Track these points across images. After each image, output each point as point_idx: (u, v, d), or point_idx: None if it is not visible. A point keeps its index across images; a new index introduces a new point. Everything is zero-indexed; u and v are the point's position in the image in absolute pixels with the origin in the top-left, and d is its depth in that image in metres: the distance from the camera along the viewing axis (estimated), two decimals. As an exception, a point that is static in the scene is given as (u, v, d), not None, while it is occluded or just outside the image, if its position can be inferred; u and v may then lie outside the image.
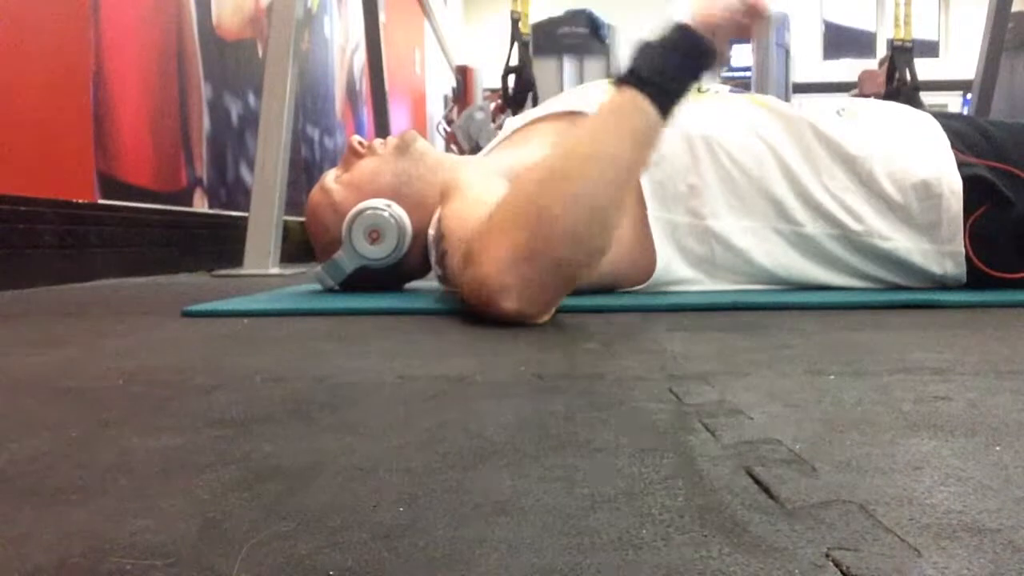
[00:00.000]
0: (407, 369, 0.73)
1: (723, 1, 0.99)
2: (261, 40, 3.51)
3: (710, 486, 0.39)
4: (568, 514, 0.35)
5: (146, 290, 1.94)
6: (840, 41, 10.09)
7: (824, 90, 7.59)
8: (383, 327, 1.05)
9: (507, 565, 0.30)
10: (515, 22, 4.40)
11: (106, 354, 0.86)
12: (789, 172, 1.31)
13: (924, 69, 4.34)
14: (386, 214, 1.37)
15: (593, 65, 6.12)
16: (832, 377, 0.65)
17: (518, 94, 4.43)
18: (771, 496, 0.37)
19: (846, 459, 0.43)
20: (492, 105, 5.37)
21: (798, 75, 6.61)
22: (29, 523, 0.36)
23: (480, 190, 1.20)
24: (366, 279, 1.42)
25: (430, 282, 1.51)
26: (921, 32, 4.95)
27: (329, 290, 1.46)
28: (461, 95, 6.42)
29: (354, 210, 1.38)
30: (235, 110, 3.37)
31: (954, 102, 8.76)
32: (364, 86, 5.12)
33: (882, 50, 8.60)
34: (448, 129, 6.04)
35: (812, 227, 1.31)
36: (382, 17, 4.29)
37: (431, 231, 1.34)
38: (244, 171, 3.38)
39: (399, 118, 6.02)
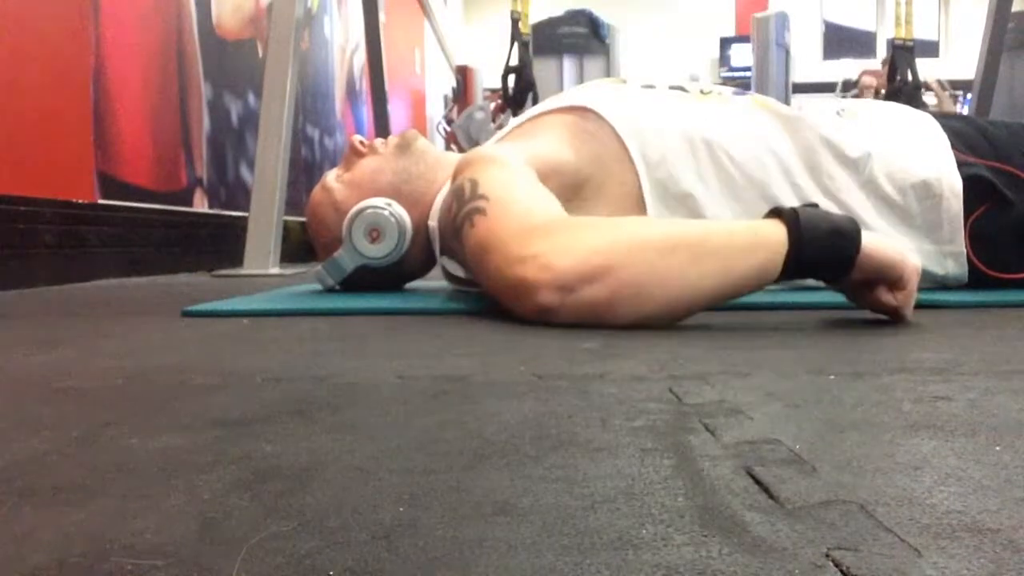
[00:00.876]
0: (407, 369, 0.73)
1: (910, 268, 0.96)
2: (261, 40, 3.51)
3: (710, 486, 0.39)
4: (568, 514, 0.35)
5: (146, 290, 1.94)
6: (840, 41, 10.09)
7: (824, 90, 7.59)
8: (383, 327, 1.05)
9: (507, 565, 0.30)
10: (515, 22, 4.41)
11: (106, 354, 0.86)
12: (789, 173, 1.31)
13: (924, 69, 4.34)
14: (386, 213, 1.37)
15: (593, 65, 6.12)
16: (832, 377, 0.65)
17: (518, 94, 4.43)
18: (771, 496, 0.37)
19: (846, 459, 0.43)
20: (492, 105, 5.38)
21: (798, 75, 6.60)
22: (29, 523, 0.36)
23: (523, 184, 1.14)
24: (366, 278, 1.42)
25: (430, 282, 1.52)
26: (921, 32, 4.95)
27: (329, 289, 1.46)
28: (461, 95, 6.43)
29: (354, 209, 1.38)
30: (235, 110, 3.37)
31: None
32: (364, 86, 5.12)
33: (882, 50, 8.59)
34: (448, 129, 6.05)
35: (812, 228, 1.31)
36: (382, 17, 4.29)
37: (431, 223, 1.34)
38: (244, 171, 3.38)
39: (399, 118, 6.02)
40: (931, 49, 9.37)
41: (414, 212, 1.38)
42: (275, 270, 2.59)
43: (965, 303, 1.17)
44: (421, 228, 1.37)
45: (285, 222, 2.75)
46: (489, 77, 6.28)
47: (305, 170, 4.18)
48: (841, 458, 0.43)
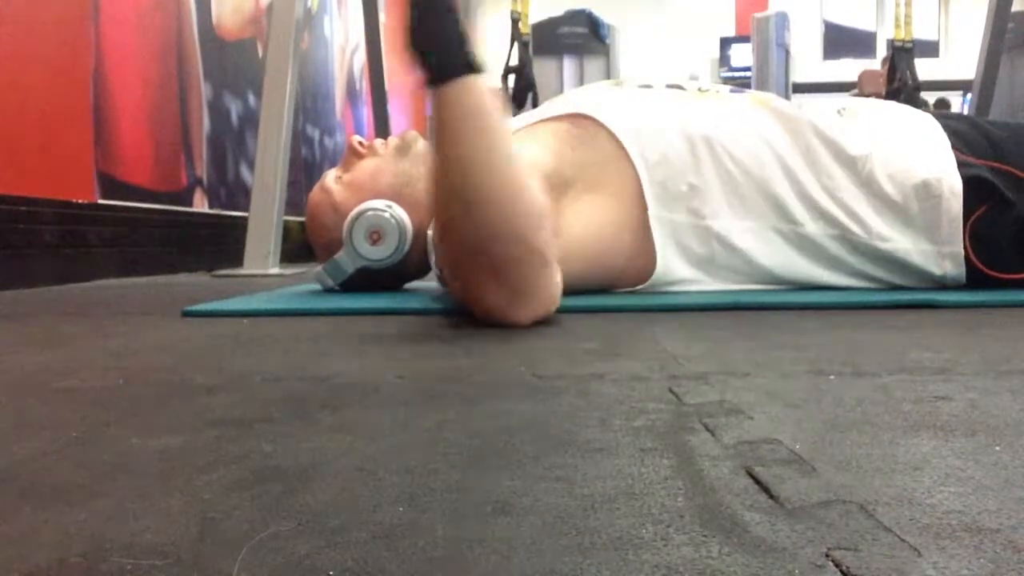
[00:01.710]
0: (407, 369, 0.73)
1: None
2: (261, 40, 3.51)
3: (710, 486, 0.39)
4: (568, 514, 0.35)
5: (146, 290, 1.94)
6: (840, 41, 10.09)
7: (824, 90, 7.59)
8: (383, 327, 1.05)
9: (507, 565, 0.30)
10: (515, 22, 4.41)
11: (106, 354, 0.86)
12: (789, 172, 1.31)
13: (924, 69, 4.34)
14: (387, 215, 1.37)
15: (593, 65, 6.13)
16: (832, 377, 0.65)
17: (518, 94, 4.43)
18: (771, 496, 0.37)
19: (846, 459, 0.43)
20: (492, 105, 5.36)
21: (798, 75, 6.61)
22: (29, 523, 0.36)
23: None
24: (366, 279, 1.42)
25: (430, 282, 1.51)
26: (921, 32, 4.95)
27: (329, 290, 1.46)
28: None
29: (355, 211, 1.38)
30: (235, 110, 3.37)
31: (954, 102, 8.76)
32: (364, 86, 5.12)
33: (882, 50, 8.59)
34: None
35: (812, 227, 1.31)
36: (382, 17, 4.29)
37: (430, 231, 1.34)
38: (244, 171, 3.38)
39: (399, 118, 6.02)
40: (931, 49, 9.37)
41: (414, 215, 1.38)
42: (275, 270, 2.59)
43: (964, 303, 1.17)
44: (421, 230, 1.37)
45: (285, 222, 2.75)
46: (489, 77, 6.27)
47: (305, 170, 4.18)
48: (841, 458, 0.43)
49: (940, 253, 1.29)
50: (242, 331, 1.04)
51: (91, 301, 1.65)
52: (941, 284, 1.31)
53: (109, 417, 0.57)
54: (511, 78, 4.44)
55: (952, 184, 1.28)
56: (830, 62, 9.79)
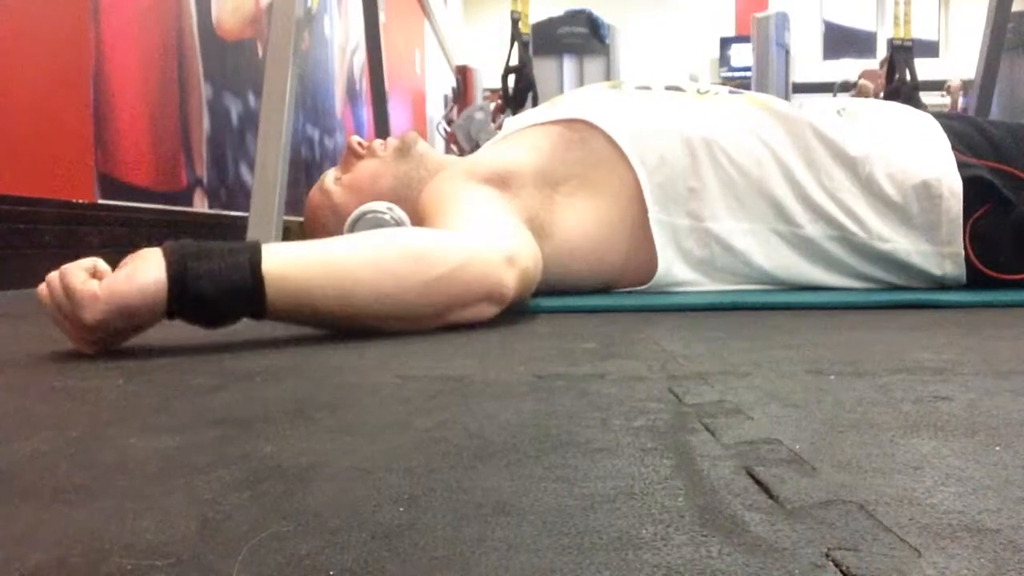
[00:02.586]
0: (407, 369, 0.73)
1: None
2: (261, 40, 3.51)
3: (710, 486, 0.39)
4: (568, 514, 0.35)
5: (146, 290, 1.94)
6: (840, 41, 10.09)
7: (824, 90, 7.59)
8: (383, 327, 1.05)
9: (507, 565, 0.30)
10: (515, 22, 4.40)
11: (106, 354, 0.86)
12: (789, 173, 1.31)
13: (924, 69, 4.34)
14: (388, 217, 1.37)
15: (593, 65, 6.12)
16: (832, 377, 0.65)
17: (518, 94, 4.43)
18: (771, 496, 0.37)
19: (846, 459, 0.43)
20: (492, 105, 5.37)
21: (798, 75, 6.60)
22: (29, 523, 0.36)
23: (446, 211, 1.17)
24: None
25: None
26: (921, 32, 4.95)
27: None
28: (461, 95, 6.42)
29: (355, 213, 1.37)
30: (235, 110, 3.37)
31: (954, 102, 8.76)
32: (364, 86, 5.12)
33: (882, 50, 8.59)
34: (448, 129, 6.04)
35: (811, 228, 1.31)
36: (382, 17, 4.29)
37: None
38: (244, 171, 3.38)
39: (399, 118, 6.02)
40: (931, 49, 9.37)
41: (414, 217, 1.38)
42: (275, 270, 2.58)
43: (964, 303, 1.17)
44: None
45: (285, 222, 2.74)
46: (489, 77, 6.27)
47: (305, 170, 4.18)
48: (841, 458, 0.43)
49: (940, 253, 1.29)
50: (242, 331, 1.04)
51: (91, 301, 1.65)
52: (941, 284, 1.31)
53: (109, 417, 0.57)
54: (511, 78, 4.43)
55: (952, 184, 1.28)
56: (830, 62, 9.79)
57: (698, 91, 1.41)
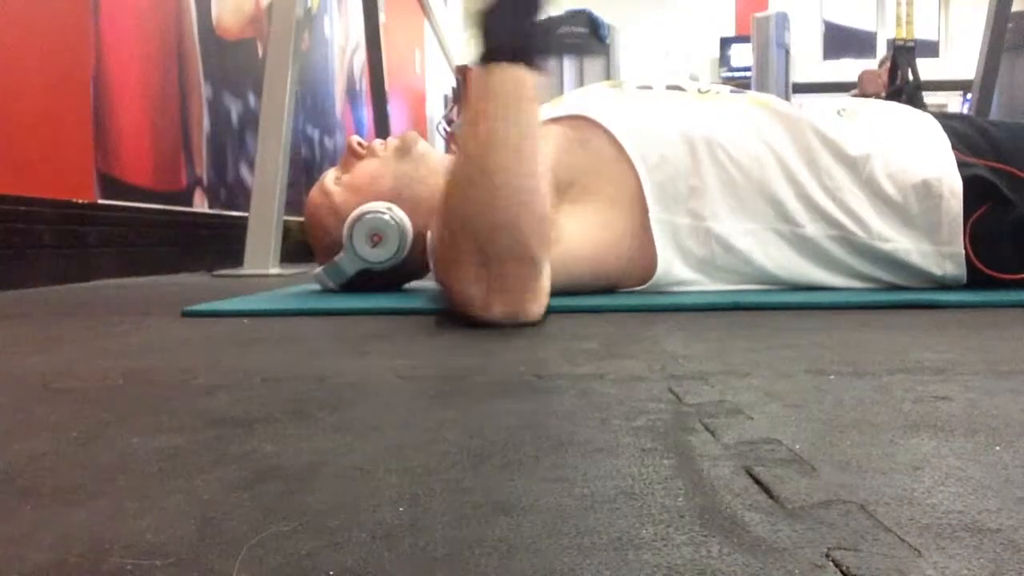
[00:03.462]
0: (407, 369, 0.73)
1: None
2: (261, 40, 3.51)
3: (710, 486, 0.39)
4: (568, 514, 0.35)
5: (146, 290, 1.94)
6: (840, 41, 10.09)
7: (824, 90, 7.59)
8: (383, 327, 1.05)
9: (507, 565, 0.30)
10: (515, 22, 4.39)
11: (106, 354, 0.86)
12: (789, 173, 1.31)
13: (924, 69, 4.34)
14: (387, 217, 1.37)
15: (593, 65, 6.12)
16: (832, 377, 0.65)
17: (518, 94, 4.42)
18: (771, 496, 0.37)
19: (846, 459, 0.43)
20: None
21: (798, 75, 6.60)
22: (29, 523, 0.36)
23: None
24: (366, 280, 1.42)
25: (430, 282, 1.51)
26: (921, 32, 4.95)
27: (328, 290, 1.46)
28: (461, 95, 6.42)
29: (355, 213, 1.38)
30: (235, 110, 3.37)
31: (954, 102, 8.76)
32: (364, 86, 5.11)
33: (882, 50, 8.59)
34: (448, 129, 6.04)
35: (812, 228, 1.31)
36: (382, 17, 4.29)
37: (430, 232, 1.34)
38: (244, 171, 3.38)
39: (399, 118, 6.02)
40: (931, 49, 9.37)
41: (414, 217, 1.38)
42: (275, 270, 2.59)
43: (965, 303, 1.17)
44: (421, 232, 1.37)
45: (285, 222, 2.74)
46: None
47: (305, 170, 4.18)
48: (841, 458, 0.43)
49: (940, 253, 1.29)
50: (242, 331, 1.04)
51: (91, 301, 1.65)
52: (941, 284, 1.31)
53: (109, 417, 0.57)
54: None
55: (952, 184, 1.28)
56: (830, 62, 9.79)
57: (699, 91, 1.41)
